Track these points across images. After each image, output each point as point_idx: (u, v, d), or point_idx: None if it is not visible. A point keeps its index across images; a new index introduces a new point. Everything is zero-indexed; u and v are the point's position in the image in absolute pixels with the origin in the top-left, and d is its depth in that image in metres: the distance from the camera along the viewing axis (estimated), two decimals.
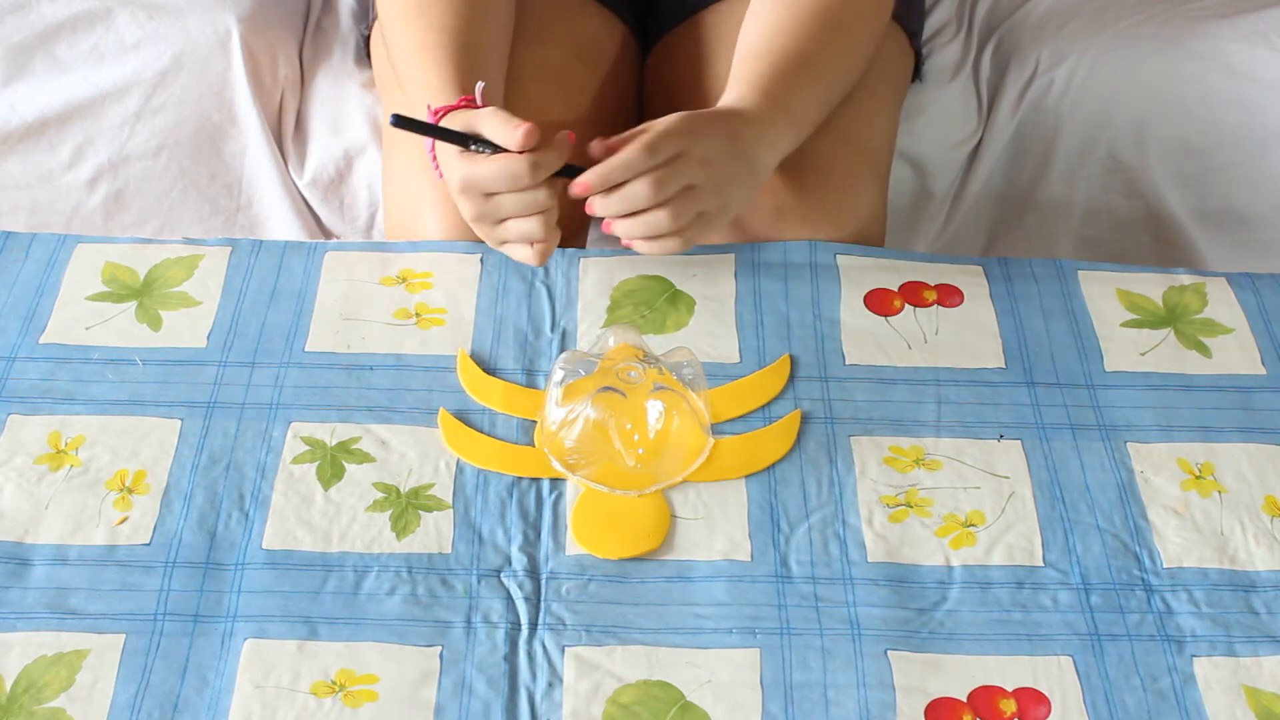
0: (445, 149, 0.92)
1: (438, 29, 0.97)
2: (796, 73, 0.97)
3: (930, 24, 1.37)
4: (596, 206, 0.88)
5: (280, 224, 1.30)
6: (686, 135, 0.89)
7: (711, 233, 0.91)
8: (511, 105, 1.09)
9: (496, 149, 0.86)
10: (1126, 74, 1.28)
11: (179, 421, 0.87)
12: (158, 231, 1.31)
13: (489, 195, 0.88)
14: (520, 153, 0.85)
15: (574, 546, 0.81)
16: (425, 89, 0.95)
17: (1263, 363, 0.94)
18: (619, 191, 0.87)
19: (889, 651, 0.76)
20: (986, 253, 1.38)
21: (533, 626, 0.77)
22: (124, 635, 0.75)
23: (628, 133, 0.89)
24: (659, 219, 0.87)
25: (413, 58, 0.98)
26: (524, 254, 0.91)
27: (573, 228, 1.10)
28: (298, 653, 0.75)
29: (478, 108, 0.91)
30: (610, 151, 0.87)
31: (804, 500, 0.84)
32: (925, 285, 0.98)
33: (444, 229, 1.04)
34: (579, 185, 0.87)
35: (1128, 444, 0.88)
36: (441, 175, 0.95)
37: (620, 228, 0.89)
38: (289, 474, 0.84)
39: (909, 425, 0.88)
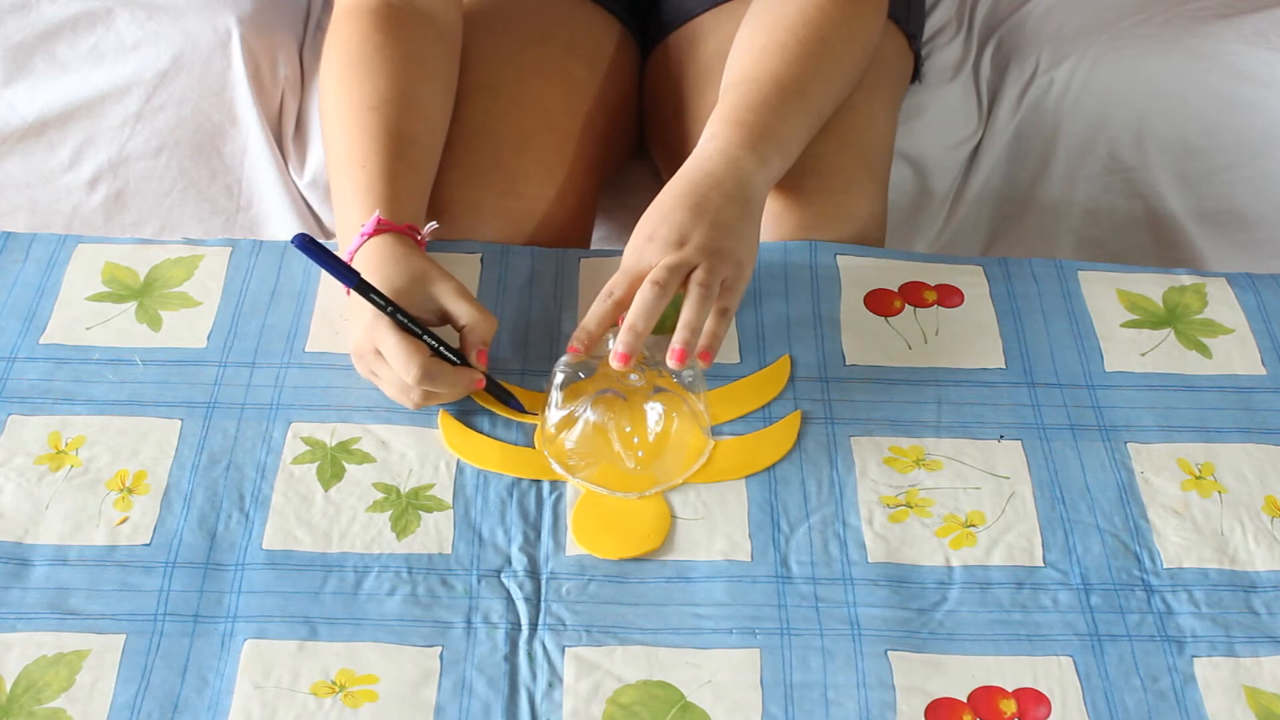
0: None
1: (381, 132, 0.94)
2: (783, 100, 0.95)
3: (930, 24, 1.38)
4: (622, 347, 0.83)
5: (280, 224, 1.30)
6: (666, 226, 0.87)
7: (742, 287, 0.88)
8: (513, 102, 1.09)
9: (442, 346, 0.85)
10: (1126, 74, 1.28)
11: (179, 421, 0.87)
12: (158, 232, 1.31)
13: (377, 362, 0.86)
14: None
15: (574, 547, 0.81)
16: (368, 191, 0.91)
17: (1263, 363, 0.94)
18: (630, 315, 0.83)
19: (889, 651, 0.76)
20: (986, 253, 1.38)
21: (533, 627, 0.77)
22: (124, 635, 0.75)
23: (614, 278, 0.86)
24: (688, 318, 0.83)
25: (351, 156, 0.94)
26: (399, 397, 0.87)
27: (574, 229, 1.10)
28: (298, 653, 0.75)
29: (419, 240, 0.90)
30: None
31: (804, 500, 0.84)
32: (925, 285, 0.98)
33: (444, 231, 1.04)
34: (619, 358, 0.82)
35: (1128, 444, 0.88)
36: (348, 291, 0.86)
37: (676, 349, 0.83)
38: (289, 474, 0.84)
39: (909, 425, 0.88)
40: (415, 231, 0.90)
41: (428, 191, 0.98)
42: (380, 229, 0.88)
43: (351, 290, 0.84)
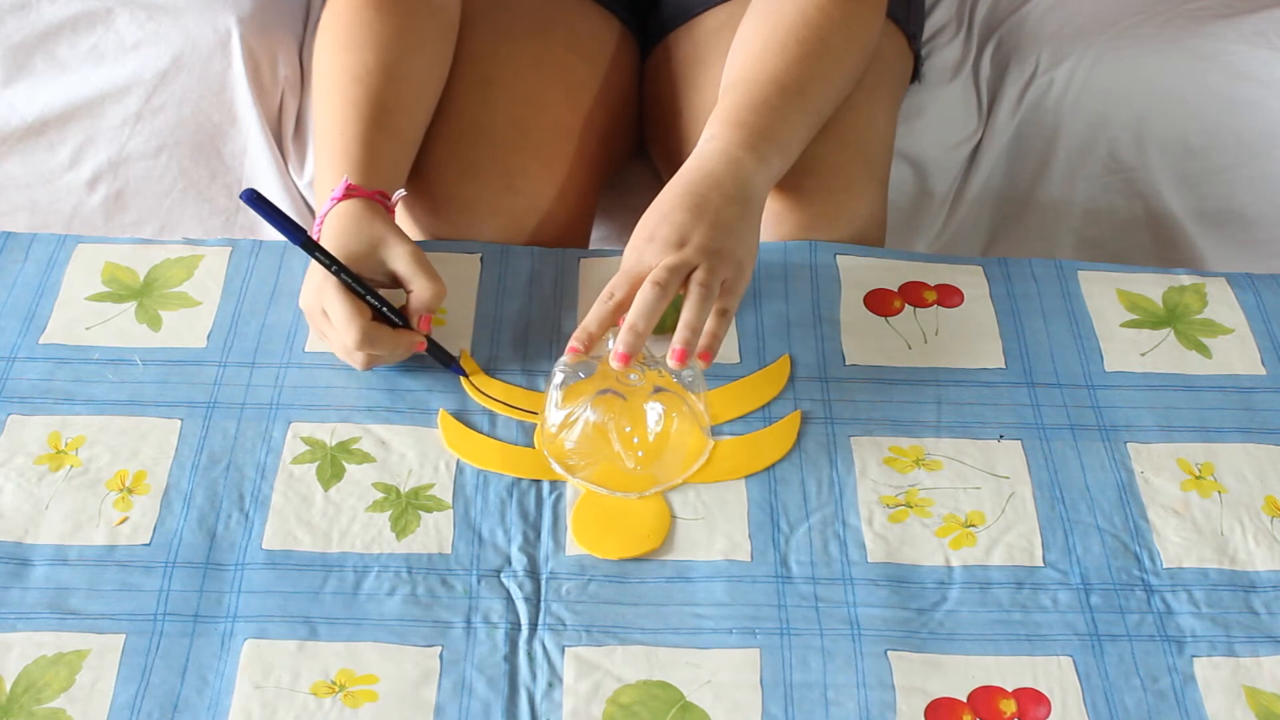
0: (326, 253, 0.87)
1: (362, 101, 0.96)
2: (783, 101, 0.95)
3: (930, 24, 1.38)
4: (622, 347, 0.82)
5: None
6: (666, 227, 0.86)
7: (742, 288, 0.88)
8: (513, 100, 1.09)
9: (385, 308, 0.86)
10: (1126, 74, 1.28)
11: (179, 421, 0.87)
12: (158, 231, 1.31)
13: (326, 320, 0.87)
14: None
15: (574, 547, 0.81)
16: (343, 156, 0.93)
17: (1263, 363, 0.94)
18: (630, 316, 0.83)
19: (889, 651, 0.76)
20: (986, 253, 1.38)
21: (533, 627, 0.77)
22: (124, 635, 0.75)
23: (616, 277, 0.86)
24: (688, 318, 0.83)
25: (332, 124, 0.95)
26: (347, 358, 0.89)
27: (574, 228, 1.10)
28: (298, 653, 0.75)
29: (388, 206, 0.91)
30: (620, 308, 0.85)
31: (804, 500, 0.84)
32: (925, 285, 0.98)
33: (443, 229, 1.04)
34: (619, 358, 0.82)
35: (1128, 444, 0.88)
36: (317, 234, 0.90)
37: (676, 348, 0.83)
38: (289, 474, 0.84)
39: (909, 425, 0.88)
40: (384, 198, 0.91)
41: (408, 161, 1.00)
42: (349, 194, 0.90)
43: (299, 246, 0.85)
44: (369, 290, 0.86)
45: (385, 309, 0.87)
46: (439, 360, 0.90)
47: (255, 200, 0.81)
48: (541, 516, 0.83)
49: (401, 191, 0.93)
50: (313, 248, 0.85)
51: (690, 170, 0.91)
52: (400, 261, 0.88)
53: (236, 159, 1.28)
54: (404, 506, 0.83)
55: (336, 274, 0.85)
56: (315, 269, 0.87)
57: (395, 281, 0.89)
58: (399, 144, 0.97)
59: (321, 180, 0.94)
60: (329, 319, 0.86)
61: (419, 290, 0.88)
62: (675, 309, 0.85)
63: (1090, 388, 0.91)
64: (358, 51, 0.98)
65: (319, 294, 0.87)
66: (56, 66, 1.25)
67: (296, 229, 0.84)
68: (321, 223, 0.90)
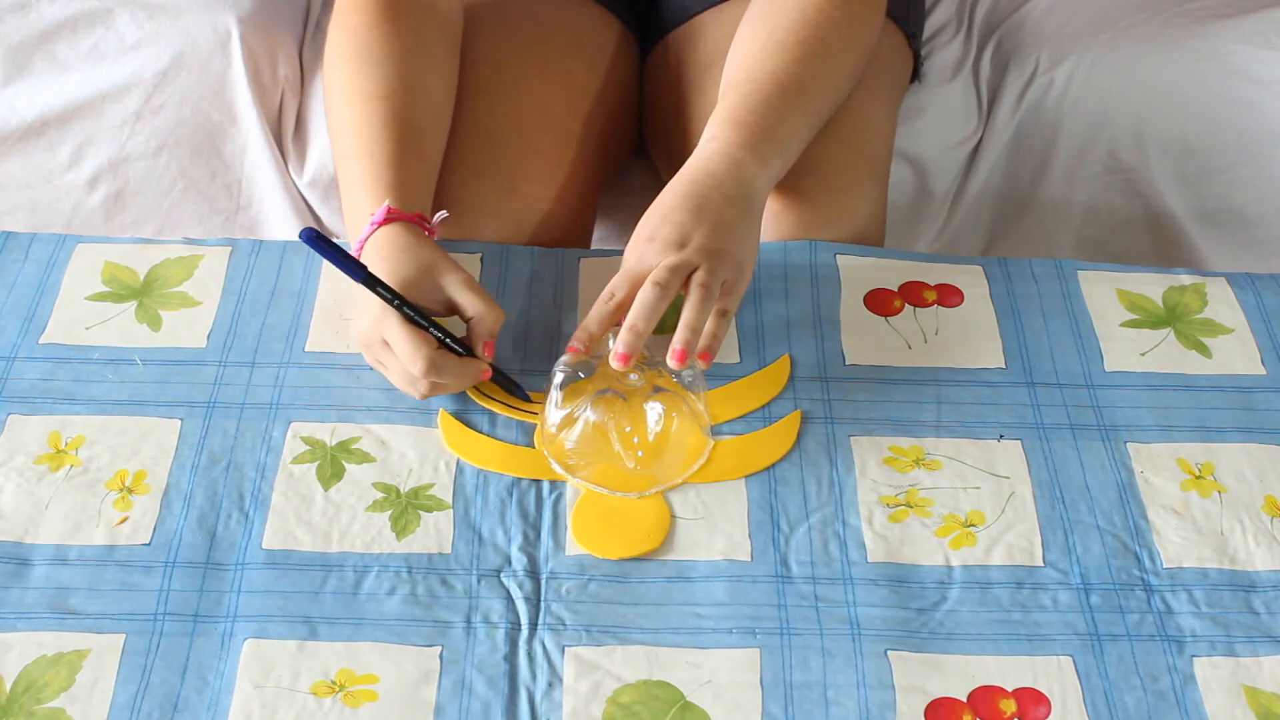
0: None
1: (390, 120, 0.95)
2: (783, 101, 0.95)
3: (930, 24, 1.38)
4: (622, 347, 0.82)
5: (280, 224, 1.30)
6: (667, 227, 0.87)
7: (742, 289, 0.88)
8: (515, 103, 1.09)
9: (448, 339, 0.86)
10: (1126, 74, 1.28)
11: (179, 421, 0.87)
12: (158, 231, 1.31)
13: (384, 350, 0.86)
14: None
15: (574, 546, 0.81)
16: (376, 180, 0.92)
17: (1263, 363, 0.94)
18: (630, 315, 0.83)
19: (889, 651, 0.76)
20: (986, 253, 1.38)
21: (533, 626, 0.77)
22: (124, 635, 0.75)
23: (616, 279, 0.86)
24: (689, 318, 0.83)
25: (359, 144, 0.94)
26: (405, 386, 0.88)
27: (575, 229, 1.10)
28: (298, 653, 0.75)
29: (429, 229, 0.90)
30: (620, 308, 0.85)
31: (804, 500, 0.84)
32: (925, 285, 0.98)
33: (446, 230, 1.04)
34: (619, 358, 0.82)
35: (1128, 444, 0.88)
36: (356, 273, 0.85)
37: (676, 349, 0.83)
38: (289, 474, 0.84)
39: (909, 425, 0.88)
40: (425, 221, 0.91)
41: (434, 181, 0.98)
42: (390, 218, 0.89)
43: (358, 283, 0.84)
44: (431, 322, 0.85)
45: (448, 339, 0.86)
46: (503, 387, 0.89)
47: (315, 240, 0.81)
48: (541, 516, 0.83)
49: (443, 214, 0.92)
50: (374, 283, 0.83)
51: (691, 170, 0.91)
52: (455, 288, 0.87)
53: (236, 159, 1.28)
54: (404, 506, 0.83)
55: (399, 308, 0.84)
56: (371, 300, 0.86)
57: (449, 308, 0.88)
58: (425, 164, 0.96)
59: (352, 201, 0.93)
60: (390, 349, 0.85)
61: (479, 315, 0.86)
62: (675, 309, 0.85)
63: (1090, 387, 0.91)
64: (379, 68, 0.97)
65: (378, 325, 0.85)
66: (56, 66, 1.25)
67: (357, 265, 0.83)
68: (362, 248, 0.89)
